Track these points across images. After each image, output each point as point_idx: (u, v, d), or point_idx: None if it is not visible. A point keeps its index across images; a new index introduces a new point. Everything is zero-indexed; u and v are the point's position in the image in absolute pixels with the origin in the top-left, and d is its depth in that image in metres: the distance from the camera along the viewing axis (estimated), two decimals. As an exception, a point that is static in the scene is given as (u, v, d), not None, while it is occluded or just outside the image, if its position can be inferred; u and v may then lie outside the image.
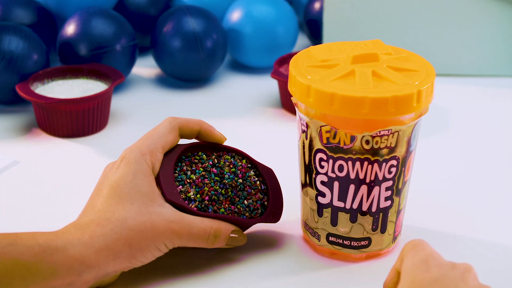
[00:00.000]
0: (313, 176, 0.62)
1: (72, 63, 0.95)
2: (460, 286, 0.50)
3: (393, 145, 0.60)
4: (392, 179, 0.61)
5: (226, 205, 0.63)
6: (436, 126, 0.89)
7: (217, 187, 0.64)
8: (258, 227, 0.69)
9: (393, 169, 0.61)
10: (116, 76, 0.90)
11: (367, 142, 0.59)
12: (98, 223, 0.59)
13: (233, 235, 0.63)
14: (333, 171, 0.61)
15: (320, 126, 0.60)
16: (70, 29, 0.95)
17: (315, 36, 1.10)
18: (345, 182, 0.61)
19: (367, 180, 0.61)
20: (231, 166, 0.66)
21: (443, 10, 1.01)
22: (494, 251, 0.66)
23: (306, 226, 0.66)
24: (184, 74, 0.99)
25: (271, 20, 1.02)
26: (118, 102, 0.95)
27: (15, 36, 0.90)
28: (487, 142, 0.86)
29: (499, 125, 0.90)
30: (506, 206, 0.73)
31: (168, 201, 0.62)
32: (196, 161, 0.65)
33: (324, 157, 0.61)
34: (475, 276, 0.52)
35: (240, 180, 0.65)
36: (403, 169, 0.62)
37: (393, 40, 1.02)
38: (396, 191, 0.62)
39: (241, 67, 1.06)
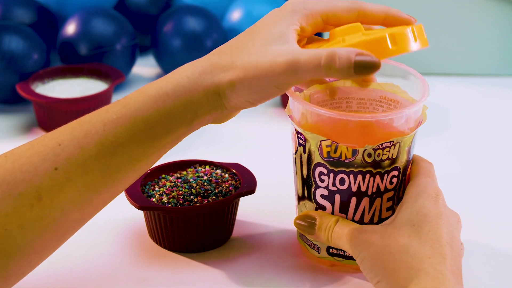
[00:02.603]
0: (312, 189, 0.61)
1: (73, 63, 0.95)
2: (454, 232, 0.58)
3: (394, 156, 0.59)
4: (394, 189, 0.61)
5: (199, 202, 0.65)
6: (436, 126, 0.89)
7: (186, 189, 0.66)
8: (253, 238, 0.69)
9: (395, 180, 0.60)
10: (117, 76, 0.90)
11: (369, 155, 0.58)
12: (211, 56, 0.57)
13: (360, 57, 0.52)
14: (334, 185, 0.60)
15: (320, 141, 0.59)
16: (70, 28, 0.96)
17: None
18: (346, 195, 0.60)
19: (369, 192, 0.60)
20: (195, 172, 0.69)
21: (443, 10, 1.01)
22: (494, 251, 0.66)
23: (303, 238, 0.64)
24: (184, 74, 0.99)
25: (271, 20, 1.02)
26: (118, 102, 0.95)
27: (16, 35, 0.90)
28: (487, 142, 0.86)
29: (499, 125, 0.90)
30: (507, 205, 0.74)
31: (141, 208, 0.64)
32: (161, 183, 0.68)
33: (325, 171, 0.60)
34: (460, 229, 0.60)
35: (205, 178, 0.68)
36: (403, 178, 0.61)
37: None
38: (397, 200, 0.62)
39: (241, 66, 1.06)
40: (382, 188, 0.60)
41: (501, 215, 0.72)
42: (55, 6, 1.04)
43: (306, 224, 0.61)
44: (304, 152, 0.60)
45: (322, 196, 0.61)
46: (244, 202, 0.71)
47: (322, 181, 0.60)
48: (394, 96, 0.63)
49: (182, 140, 0.58)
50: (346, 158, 0.58)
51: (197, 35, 0.97)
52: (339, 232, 0.59)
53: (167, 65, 0.99)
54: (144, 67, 1.06)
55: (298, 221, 0.62)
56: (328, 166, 0.59)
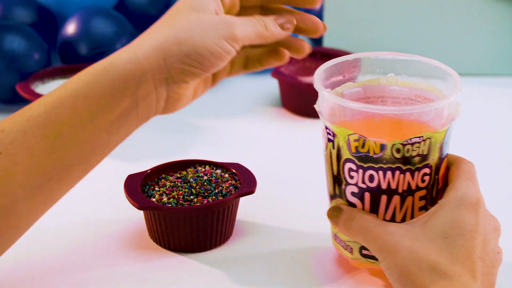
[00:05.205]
0: (343, 187, 0.60)
1: (73, 63, 0.95)
2: (490, 243, 0.56)
3: (425, 153, 0.57)
4: (426, 188, 0.59)
5: (199, 202, 0.65)
6: (436, 126, 0.89)
7: (186, 189, 0.66)
8: (253, 238, 0.69)
9: (426, 178, 0.59)
10: (117, 76, 0.90)
11: (398, 150, 0.57)
12: (145, 34, 0.56)
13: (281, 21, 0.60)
14: (363, 182, 0.58)
15: (348, 135, 0.57)
16: (70, 28, 0.96)
17: (316, 36, 1.10)
18: (376, 193, 0.59)
19: (400, 190, 0.58)
20: (195, 172, 0.69)
21: (443, 10, 1.01)
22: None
23: (337, 238, 0.62)
24: (185, 74, 0.99)
25: (271, 20, 1.02)
26: (118, 102, 0.95)
27: (16, 35, 0.90)
28: (488, 142, 0.86)
29: (499, 125, 0.91)
30: (508, 205, 0.73)
31: (141, 208, 0.64)
32: (161, 183, 0.68)
33: (354, 167, 0.58)
34: (498, 237, 0.58)
35: (205, 177, 0.68)
36: (436, 177, 0.59)
37: (393, 40, 1.02)
38: (430, 200, 0.60)
39: (242, 66, 1.06)
40: (413, 186, 0.58)
41: (502, 216, 0.72)
42: (55, 6, 1.04)
43: (334, 214, 0.60)
44: (334, 148, 0.59)
45: (353, 193, 0.59)
46: (244, 202, 0.71)
47: (352, 177, 0.59)
48: (428, 94, 0.62)
49: (134, 132, 0.57)
50: (374, 153, 0.57)
51: (197, 35, 0.97)
52: (361, 224, 0.57)
53: (167, 65, 0.99)
54: (144, 67, 1.06)
55: (328, 212, 0.60)
56: (356, 162, 0.58)
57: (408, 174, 0.58)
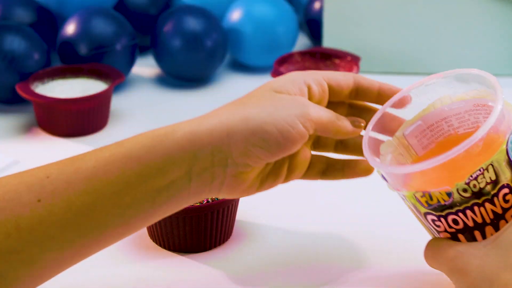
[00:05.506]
0: (436, 234, 0.58)
1: (72, 63, 0.95)
2: None
3: (494, 178, 0.53)
4: None
5: (199, 202, 0.64)
6: (436, 126, 0.89)
7: None
8: (253, 238, 0.69)
9: (509, 197, 0.55)
10: (116, 76, 0.90)
11: (465, 190, 0.54)
12: (214, 110, 0.54)
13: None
14: (450, 227, 0.56)
15: (413, 194, 0.55)
16: (70, 28, 0.96)
17: (315, 36, 1.10)
18: (468, 232, 0.56)
19: (488, 221, 0.55)
20: None
21: (444, 10, 1.01)
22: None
23: None
24: (184, 74, 0.99)
25: (271, 20, 1.02)
26: (118, 102, 0.95)
27: (16, 35, 0.90)
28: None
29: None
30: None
31: None
32: None
33: (435, 218, 0.56)
34: None
35: None
36: None
37: (393, 40, 1.02)
38: None
39: (241, 66, 1.06)
40: (499, 211, 0.55)
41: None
42: (55, 6, 1.04)
43: None
44: (411, 205, 0.57)
45: (448, 238, 0.57)
46: (244, 202, 0.71)
47: (438, 226, 0.57)
48: (485, 101, 0.58)
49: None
50: (444, 201, 0.55)
51: (197, 35, 0.97)
52: (433, 250, 0.56)
53: (167, 65, 0.99)
54: (144, 67, 1.06)
55: None
56: (434, 213, 0.56)
57: (487, 204, 0.54)
